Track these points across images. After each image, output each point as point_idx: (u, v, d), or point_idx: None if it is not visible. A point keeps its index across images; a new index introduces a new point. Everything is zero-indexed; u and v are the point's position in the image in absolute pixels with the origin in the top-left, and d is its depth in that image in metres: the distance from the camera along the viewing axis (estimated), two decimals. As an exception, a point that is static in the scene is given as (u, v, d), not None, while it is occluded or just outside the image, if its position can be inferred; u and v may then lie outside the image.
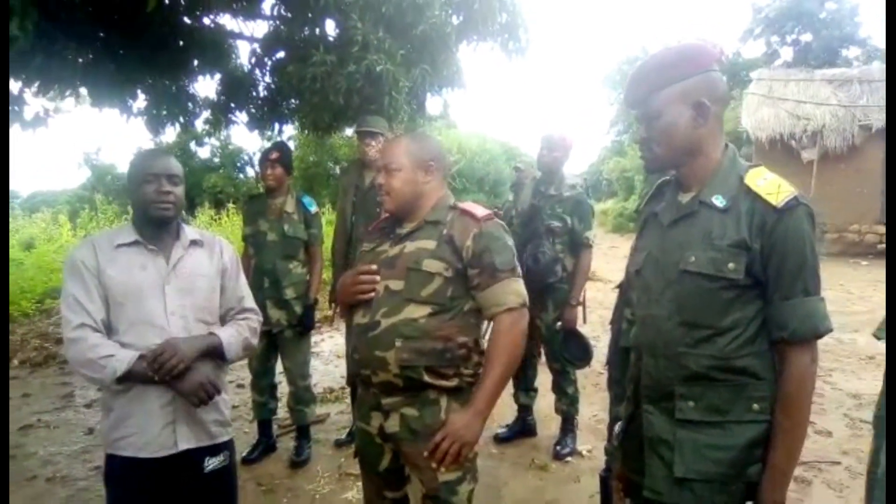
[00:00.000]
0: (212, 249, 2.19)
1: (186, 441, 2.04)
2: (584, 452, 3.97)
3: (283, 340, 3.84)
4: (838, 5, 26.27)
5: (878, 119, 13.45)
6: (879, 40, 27.82)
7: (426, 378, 1.92)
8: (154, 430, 1.99)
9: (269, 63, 5.89)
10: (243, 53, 6.03)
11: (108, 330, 1.98)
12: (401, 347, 1.90)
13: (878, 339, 1.02)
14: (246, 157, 26.77)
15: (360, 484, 3.64)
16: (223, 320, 2.18)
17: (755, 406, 1.48)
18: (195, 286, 2.09)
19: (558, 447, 3.97)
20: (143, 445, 1.99)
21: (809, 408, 1.48)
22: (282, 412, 4.34)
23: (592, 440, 4.09)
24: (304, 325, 3.85)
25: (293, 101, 5.87)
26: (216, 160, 26.63)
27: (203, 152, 25.00)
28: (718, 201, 1.51)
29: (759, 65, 23.43)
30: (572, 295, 3.82)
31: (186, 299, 2.06)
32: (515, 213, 4.02)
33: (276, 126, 6.35)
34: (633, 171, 22.40)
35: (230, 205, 18.21)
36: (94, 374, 1.93)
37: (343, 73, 3.77)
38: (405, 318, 1.91)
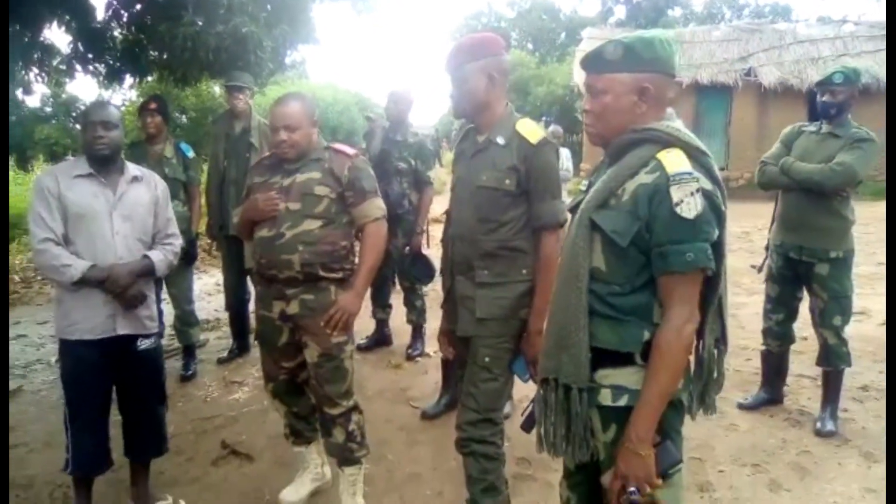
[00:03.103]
0: (149, 184, 2.82)
1: (123, 328, 2.69)
2: (431, 353, 4.84)
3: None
4: (664, -33, 28.57)
5: (688, 75, 15.26)
6: (698, 4, 30.60)
7: (321, 272, 2.64)
8: (99, 319, 2.63)
9: (127, 16, 6.10)
10: (99, 5, 6.15)
11: (66, 242, 2.57)
12: (302, 251, 2.59)
13: None
14: (82, 107, 25.10)
15: (244, 388, 4.34)
16: (154, 239, 2.81)
17: (524, 271, 2.32)
18: (135, 213, 2.72)
19: (410, 350, 4.83)
20: (90, 329, 2.62)
21: (555, 270, 2.33)
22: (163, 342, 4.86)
23: (437, 345, 4.95)
24: (189, 256, 4.38)
25: (153, 53, 6.14)
26: (48, 110, 24.89)
27: (31, 101, 23.25)
28: (500, 140, 2.30)
29: (596, 22, 25.20)
30: (418, 223, 4.62)
31: (128, 223, 2.69)
32: (368, 157, 4.72)
33: (136, 78, 6.57)
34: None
35: (70, 157, 17.37)
36: (56, 276, 2.57)
37: (212, 33, 4.25)
38: (304, 229, 2.60)
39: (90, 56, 6.35)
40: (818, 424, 3.60)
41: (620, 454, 1.58)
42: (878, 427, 3.63)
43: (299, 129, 2.63)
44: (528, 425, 2.20)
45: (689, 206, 1.50)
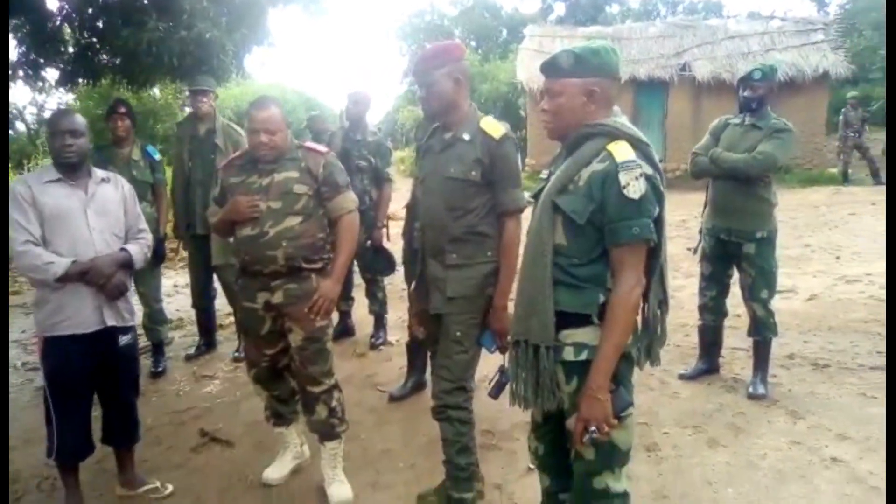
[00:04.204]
0: (115, 184, 2.98)
1: (110, 319, 2.85)
2: (394, 342, 5.09)
3: (137, 270, 4.47)
4: (602, -36, 29.23)
5: (626, 71, 15.76)
6: (634, 0, 31.42)
7: (303, 264, 2.86)
8: (87, 312, 2.78)
9: (79, 20, 6.10)
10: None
11: (45, 243, 2.71)
12: (286, 246, 2.80)
13: None
14: (15, 112, 24.30)
15: (215, 381, 4.50)
16: (127, 235, 2.96)
17: (489, 253, 2.59)
18: (108, 210, 2.87)
19: (373, 339, 5.08)
20: (79, 323, 2.78)
21: (518, 253, 2.59)
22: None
23: (399, 333, 5.19)
24: (157, 255, 4.51)
25: (105, 57, 6.17)
26: (-28, 113, 23.98)
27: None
28: (466, 136, 2.56)
29: (536, 19, 25.67)
30: (378, 218, 4.85)
31: (103, 219, 2.83)
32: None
33: (89, 82, 6.58)
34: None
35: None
36: (39, 275, 2.69)
37: (175, 38, 4.39)
38: (286, 226, 2.80)
39: (41, 60, 6.33)
40: (750, 389, 3.98)
41: (582, 400, 1.86)
42: (803, 389, 4.04)
43: (279, 132, 2.84)
44: (495, 392, 2.47)
45: (635, 188, 1.79)
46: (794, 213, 10.88)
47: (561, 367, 1.93)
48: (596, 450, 1.93)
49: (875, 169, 13.71)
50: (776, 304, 4.07)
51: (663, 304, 2.02)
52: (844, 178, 13.92)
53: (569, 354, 1.92)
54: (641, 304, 1.94)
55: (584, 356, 1.90)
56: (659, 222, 1.88)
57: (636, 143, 1.88)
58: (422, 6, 31.64)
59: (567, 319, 1.91)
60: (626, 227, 1.81)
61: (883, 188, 12.97)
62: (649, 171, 1.84)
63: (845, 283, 6.56)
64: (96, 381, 2.94)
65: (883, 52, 17.01)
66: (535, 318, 1.92)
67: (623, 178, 1.79)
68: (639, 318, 1.97)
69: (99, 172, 2.94)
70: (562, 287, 1.90)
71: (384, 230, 4.95)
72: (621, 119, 1.95)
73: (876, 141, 16.15)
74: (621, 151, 1.83)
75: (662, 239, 1.92)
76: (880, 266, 7.05)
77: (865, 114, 14.09)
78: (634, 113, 15.98)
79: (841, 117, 13.89)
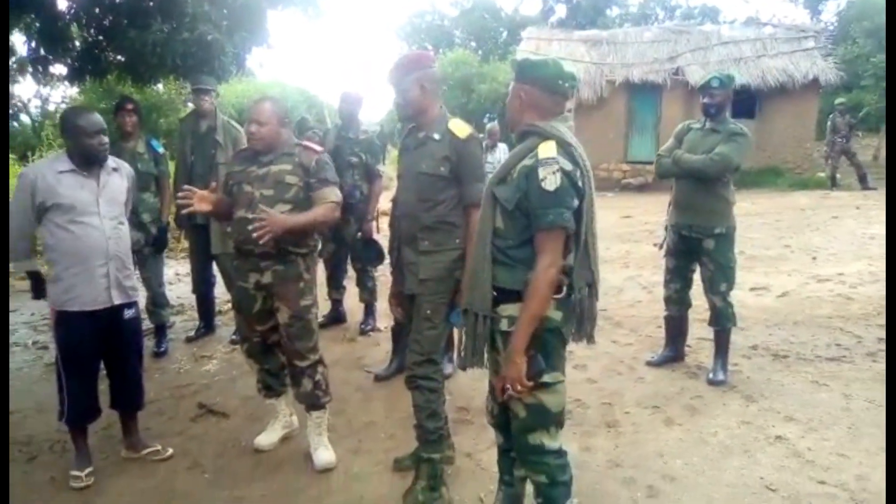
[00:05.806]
0: (122, 173, 3.27)
1: (117, 298, 3.16)
2: (382, 328, 5.40)
3: (142, 257, 4.78)
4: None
5: (621, 74, 16.12)
6: (634, 4, 31.70)
7: (290, 248, 3.16)
8: (97, 292, 3.09)
9: (87, 18, 6.41)
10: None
11: (60, 229, 3.00)
12: None
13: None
14: (19, 104, 24.50)
15: (213, 361, 4.82)
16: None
17: (457, 241, 2.90)
18: (117, 199, 3.18)
19: (363, 325, 5.39)
20: (89, 301, 3.08)
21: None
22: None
23: (387, 321, 5.48)
24: (160, 242, 4.83)
25: (111, 54, 6.48)
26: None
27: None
28: (436, 136, 2.87)
29: (537, 21, 25.96)
30: (368, 211, 5.16)
31: (113, 208, 3.15)
32: (324, 152, 5.25)
33: (96, 78, 6.88)
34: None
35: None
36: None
37: (179, 39, 4.71)
38: (276, 211, 3.08)
39: (49, 57, 6.64)
40: (710, 375, 4.28)
41: (503, 361, 2.19)
42: (760, 377, 4.34)
43: (268, 125, 3.15)
44: (462, 363, 2.78)
45: (551, 181, 2.11)
46: (780, 215, 11.17)
47: (500, 335, 2.25)
48: (527, 410, 2.25)
49: (862, 174, 14.00)
50: (749, 299, 4.33)
51: (591, 287, 2.34)
52: (832, 183, 14.21)
53: (504, 325, 2.24)
54: (574, 290, 2.26)
55: (514, 327, 2.21)
56: (577, 213, 2.19)
57: (563, 144, 2.19)
58: (422, 7, 32.04)
59: (504, 295, 2.23)
60: (543, 214, 2.12)
61: (868, 193, 13.31)
62: (568, 167, 2.16)
63: (817, 281, 6.84)
64: (103, 351, 3.25)
65: (875, 59, 17.34)
66: (476, 291, 2.26)
67: (541, 172, 2.12)
68: (574, 299, 2.29)
69: (110, 162, 3.22)
70: (499, 265, 2.23)
71: (374, 222, 5.26)
72: (556, 123, 2.26)
73: (866, 147, 16.47)
74: (545, 149, 2.15)
75: (583, 227, 2.23)
76: (854, 267, 7.37)
77: (853, 120, 14.36)
78: (629, 115, 16.30)
79: (829, 123, 14.16)
